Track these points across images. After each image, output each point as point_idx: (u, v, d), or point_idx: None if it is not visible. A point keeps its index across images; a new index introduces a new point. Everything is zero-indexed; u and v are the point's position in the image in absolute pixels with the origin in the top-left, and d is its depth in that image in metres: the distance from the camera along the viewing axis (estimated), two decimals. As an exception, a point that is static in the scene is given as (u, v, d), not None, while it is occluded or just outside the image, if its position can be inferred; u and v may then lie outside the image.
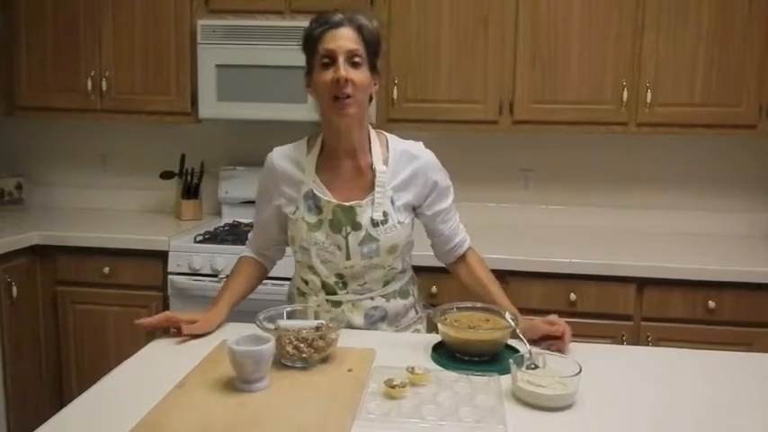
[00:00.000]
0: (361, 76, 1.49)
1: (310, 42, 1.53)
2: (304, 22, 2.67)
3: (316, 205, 1.58)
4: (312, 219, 1.58)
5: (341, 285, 1.60)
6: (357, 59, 1.49)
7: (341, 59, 1.47)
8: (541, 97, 2.71)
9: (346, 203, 1.56)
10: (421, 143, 1.66)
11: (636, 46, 2.64)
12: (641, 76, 2.64)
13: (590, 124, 2.71)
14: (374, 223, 1.55)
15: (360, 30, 1.50)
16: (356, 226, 1.56)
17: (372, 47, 1.53)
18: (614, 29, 2.64)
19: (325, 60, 1.49)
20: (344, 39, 1.48)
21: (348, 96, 1.48)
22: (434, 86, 2.77)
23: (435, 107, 2.77)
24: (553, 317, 1.50)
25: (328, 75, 1.48)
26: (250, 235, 1.77)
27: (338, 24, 1.49)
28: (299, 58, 2.71)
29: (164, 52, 2.92)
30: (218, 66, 2.83)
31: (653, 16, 2.61)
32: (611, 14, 2.64)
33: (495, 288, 1.66)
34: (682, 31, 2.61)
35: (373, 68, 1.54)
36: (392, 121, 2.76)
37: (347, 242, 1.56)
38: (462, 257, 1.72)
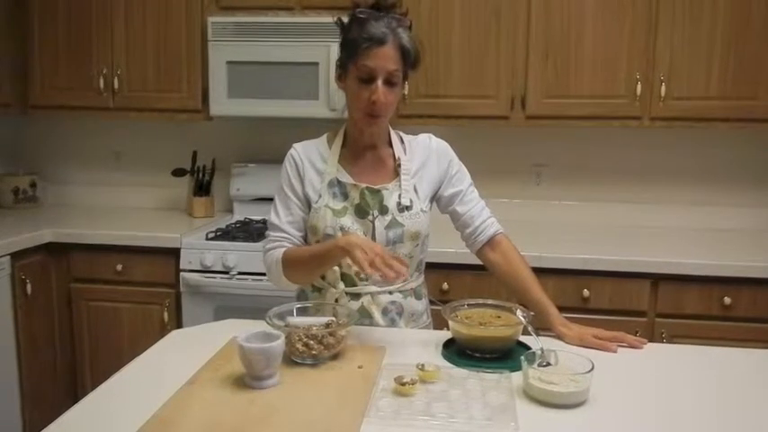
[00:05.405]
0: (395, 94, 1.55)
1: (351, 48, 1.52)
2: (315, 19, 2.76)
3: (341, 192, 1.60)
4: (337, 205, 1.59)
5: (362, 275, 1.59)
6: (395, 80, 1.52)
7: (379, 81, 1.50)
8: (554, 92, 2.69)
9: (374, 186, 1.60)
10: (431, 134, 1.72)
11: (650, 38, 2.60)
12: (655, 69, 2.61)
13: (603, 119, 2.68)
14: (400, 208, 1.59)
15: (402, 49, 1.51)
16: (383, 210, 1.59)
17: (410, 64, 1.56)
18: (628, 21, 2.61)
19: (364, 76, 1.51)
20: (385, 59, 1.49)
21: (380, 115, 1.54)
22: (446, 82, 2.75)
23: (447, 102, 2.76)
24: (602, 332, 1.51)
25: (365, 92, 1.51)
26: (277, 236, 1.63)
27: (382, 42, 1.49)
28: (310, 55, 2.76)
29: (175, 50, 2.93)
30: (228, 63, 2.83)
31: (667, 7, 2.57)
32: (625, 6, 2.60)
33: (526, 277, 1.63)
34: (697, 23, 2.57)
35: (405, 78, 1.58)
36: (403, 117, 2.75)
37: (374, 226, 1.58)
38: (490, 246, 1.68)
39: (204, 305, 2.65)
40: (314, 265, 1.55)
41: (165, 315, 2.72)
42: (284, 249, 1.59)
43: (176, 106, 2.97)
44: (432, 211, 1.67)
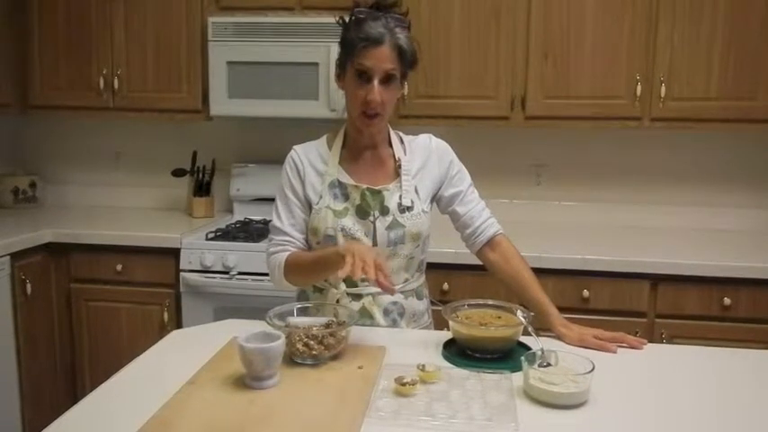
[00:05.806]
0: (391, 94, 1.55)
1: (348, 47, 1.53)
2: (315, 19, 2.76)
3: (342, 193, 1.60)
4: (338, 206, 1.59)
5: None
6: (392, 79, 1.53)
7: (376, 81, 1.50)
8: (554, 92, 2.68)
9: (375, 187, 1.60)
10: (431, 134, 1.73)
11: (650, 39, 2.60)
12: (655, 69, 2.61)
13: (603, 119, 2.68)
14: (401, 209, 1.59)
15: (398, 49, 1.51)
16: (384, 210, 1.59)
17: (408, 64, 1.56)
18: (628, 21, 2.61)
19: (361, 76, 1.51)
20: (382, 59, 1.50)
21: (377, 114, 1.53)
22: (445, 82, 2.75)
23: (446, 103, 2.76)
24: (602, 333, 1.51)
25: (361, 91, 1.52)
26: (280, 240, 1.64)
27: (378, 42, 1.49)
28: (310, 55, 2.76)
29: (175, 50, 2.93)
30: (229, 63, 2.83)
31: (667, 8, 2.57)
32: (625, 7, 2.60)
33: (526, 277, 1.63)
34: (696, 23, 2.57)
35: (404, 78, 1.58)
36: (403, 118, 2.75)
37: (374, 227, 1.58)
38: (490, 246, 1.68)
39: (204, 305, 2.65)
40: (316, 270, 1.56)
41: (165, 315, 2.72)
42: (287, 254, 1.60)
43: (176, 106, 2.97)
44: (432, 212, 1.67)
